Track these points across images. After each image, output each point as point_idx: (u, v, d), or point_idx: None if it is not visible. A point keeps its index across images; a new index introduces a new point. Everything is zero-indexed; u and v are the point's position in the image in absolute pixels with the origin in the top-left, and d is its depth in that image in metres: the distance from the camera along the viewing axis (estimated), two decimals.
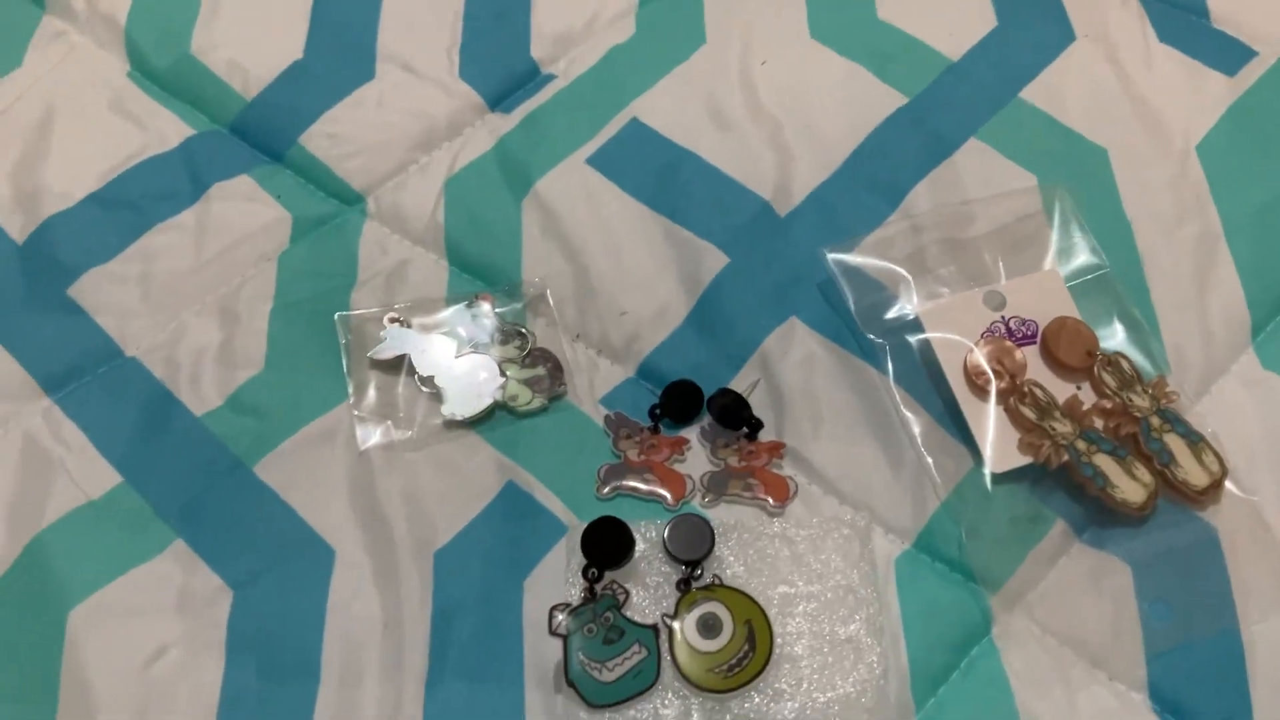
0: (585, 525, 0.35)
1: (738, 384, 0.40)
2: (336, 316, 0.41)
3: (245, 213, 0.45)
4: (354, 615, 0.35)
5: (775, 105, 0.47)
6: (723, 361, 0.40)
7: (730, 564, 0.35)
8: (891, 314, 0.40)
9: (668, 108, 0.47)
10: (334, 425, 0.39)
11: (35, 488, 0.38)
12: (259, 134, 0.47)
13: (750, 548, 0.36)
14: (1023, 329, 0.39)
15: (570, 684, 0.33)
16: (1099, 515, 0.37)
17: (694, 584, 0.35)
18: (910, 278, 0.40)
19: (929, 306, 0.40)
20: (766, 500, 0.37)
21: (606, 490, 0.37)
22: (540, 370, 0.40)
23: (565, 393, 0.40)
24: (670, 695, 0.33)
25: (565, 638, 0.34)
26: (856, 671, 0.34)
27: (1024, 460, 0.37)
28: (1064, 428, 0.37)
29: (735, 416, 0.38)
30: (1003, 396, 0.38)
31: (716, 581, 0.35)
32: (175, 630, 0.35)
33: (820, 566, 0.36)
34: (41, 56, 0.50)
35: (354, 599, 0.35)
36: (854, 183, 0.44)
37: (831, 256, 0.41)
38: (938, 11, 0.50)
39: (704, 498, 0.37)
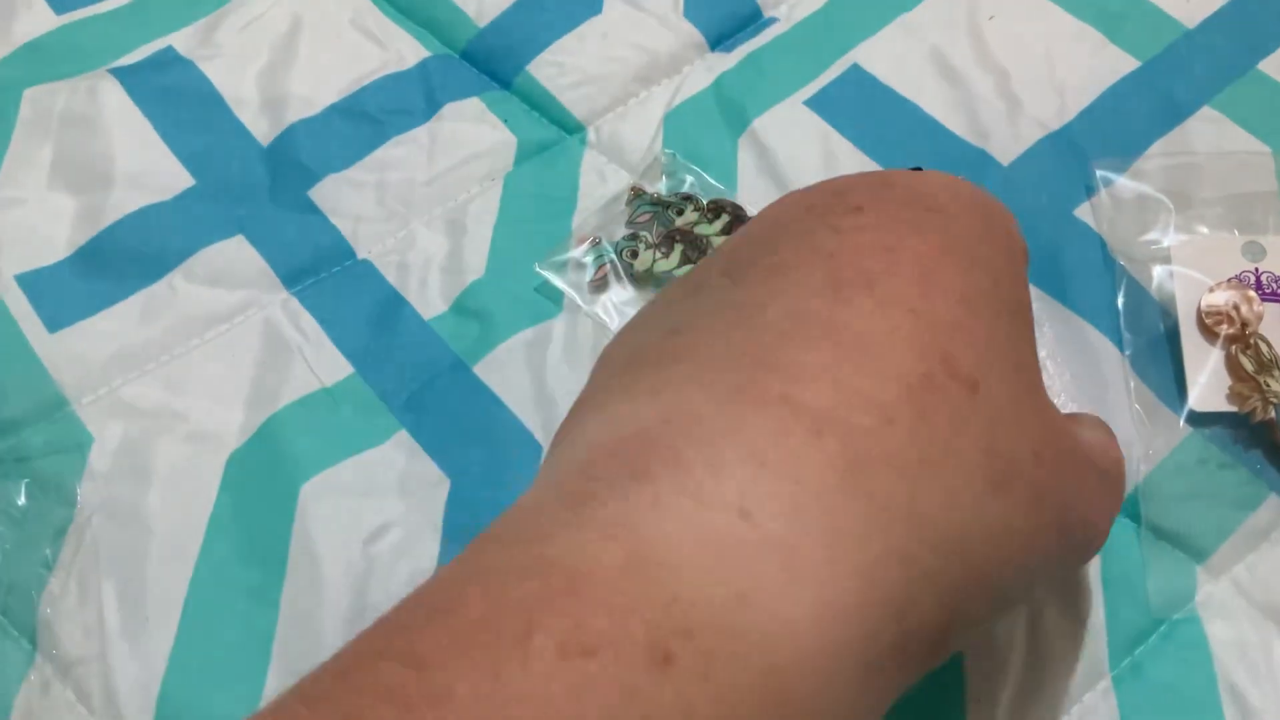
0: None
1: None
2: (537, 267, 0.42)
3: (474, 133, 0.47)
4: None
5: (1004, 57, 0.46)
6: None
7: None
8: (1142, 240, 0.40)
9: (890, 55, 0.47)
10: (547, 333, 0.41)
11: (274, 370, 0.41)
12: (489, 60, 0.49)
13: None
14: (1274, 285, 0.38)
15: None
16: None
17: None
18: (1172, 209, 0.40)
19: (1183, 240, 0.39)
20: None
21: None
22: (726, 219, 0.41)
23: None
24: None
25: None
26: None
27: (1227, 407, 0.36)
28: (1279, 386, 0.36)
29: None
30: (1228, 342, 0.37)
31: None
32: (397, 511, 0.37)
33: None
34: None
35: None
36: (1082, 140, 0.44)
37: (1100, 172, 0.41)
38: None
39: None
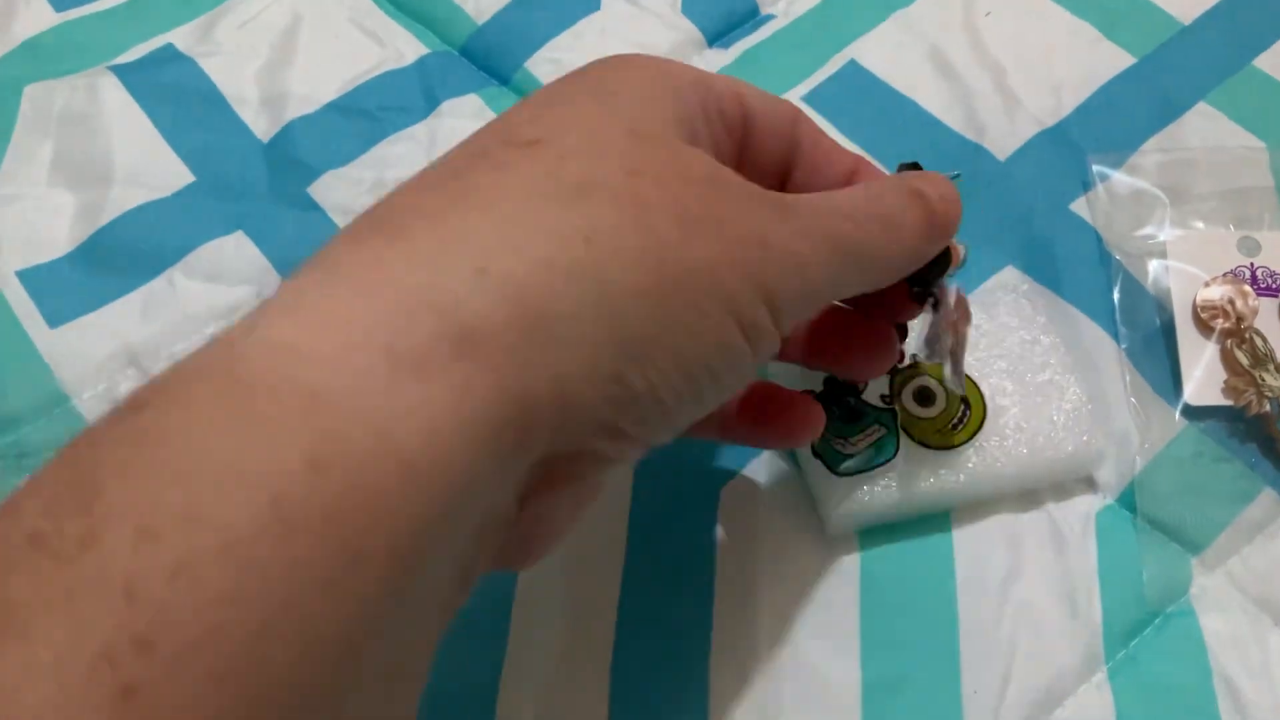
0: None
1: None
2: None
3: (472, 130, 0.46)
4: None
5: (1000, 53, 0.46)
6: None
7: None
8: (1137, 234, 0.40)
9: (887, 52, 0.47)
10: None
11: None
12: (488, 57, 0.49)
13: None
14: (1269, 279, 0.38)
15: (816, 455, 0.35)
16: None
17: (899, 366, 0.36)
18: (1168, 204, 0.40)
19: (1179, 234, 0.40)
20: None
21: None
22: None
23: None
24: (910, 463, 0.35)
25: None
26: (1063, 404, 0.36)
27: (1222, 401, 0.37)
28: (1274, 381, 0.36)
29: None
30: (1223, 336, 0.38)
31: (915, 359, 0.36)
32: None
33: (999, 330, 0.38)
34: None
35: None
36: (1078, 135, 0.44)
37: (1096, 167, 0.41)
38: None
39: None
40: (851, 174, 0.29)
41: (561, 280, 0.21)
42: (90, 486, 0.18)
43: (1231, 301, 0.38)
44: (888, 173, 0.31)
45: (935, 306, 0.32)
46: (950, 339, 0.32)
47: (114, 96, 0.48)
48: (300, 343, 0.19)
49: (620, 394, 0.22)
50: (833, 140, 0.30)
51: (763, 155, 0.28)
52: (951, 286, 0.32)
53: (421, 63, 0.49)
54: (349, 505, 0.18)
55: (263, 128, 0.47)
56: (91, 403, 0.40)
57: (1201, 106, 0.44)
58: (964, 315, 0.33)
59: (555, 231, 0.22)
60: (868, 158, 0.43)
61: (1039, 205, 0.42)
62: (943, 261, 0.31)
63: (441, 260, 0.21)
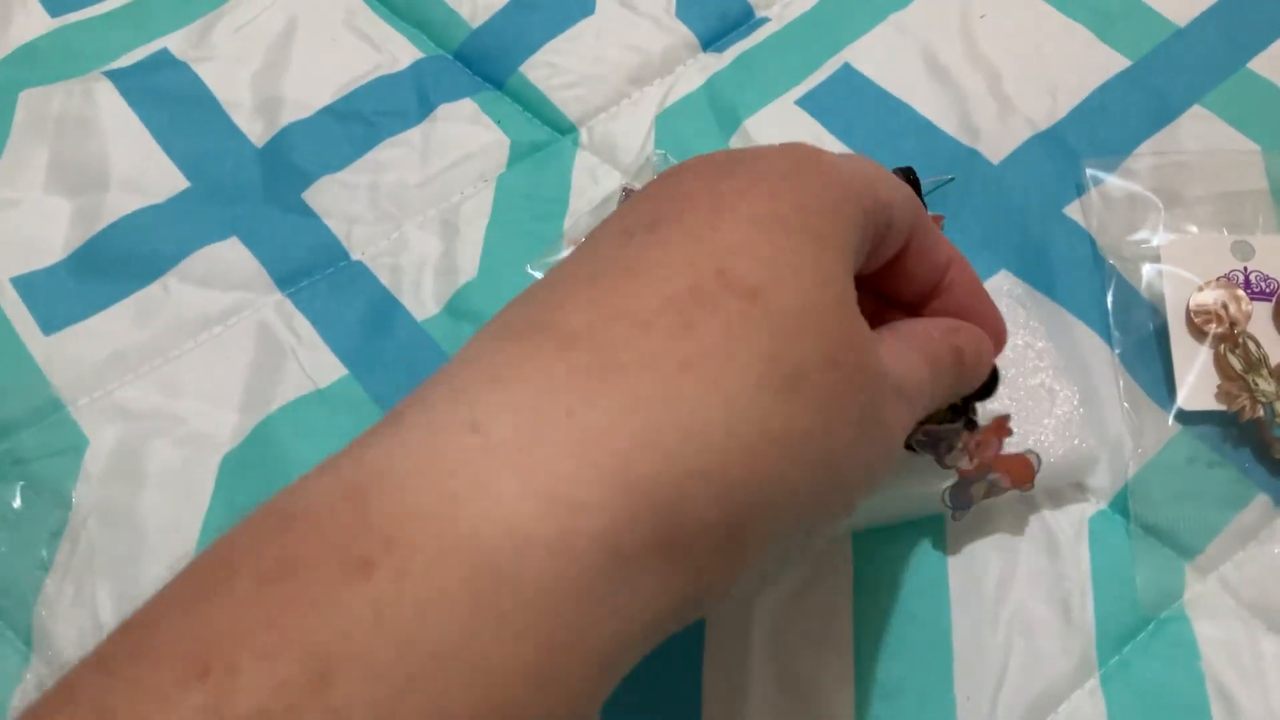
0: None
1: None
2: (529, 268, 0.43)
3: (467, 134, 0.47)
4: None
5: (995, 56, 0.46)
6: None
7: None
8: (1131, 238, 0.40)
9: (881, 55, 0.47)
10: None
11: (268, 372, 0.41)
12: (482, 61, 0.49)
13: None
14: (1262, 284, 0.38)
15: None
16: None
17: None
18: (1162, 208, 0.40)
19: (1173, 239, 0.40)
20: (1016, 489, 0.35)
21: (960, 515, 0.36)
22: None
23: None
24: (901, 469, 0.35)
25: None
26: (1056, 409, 0.36)
27: (1215, 406, 0.37)
28: (1268, 386, 0.36)
29: None
30: (1216, 341, 0.37)
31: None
32: None
33: None
34: None
35: None
36: (1073, 138, 0.44)
37: (1090, 171, 0.41)
38: None
39: (953, 515, 0.35)
40: (947, 265, 0.30)
41: (762, 488, 0.22)
42: (321, 666, 0.18)
43: (1225, 306, 0.38)
44: (967, 264, 0.31)
45: (968, 425, 0.33)
46: (964, 460, 0.33)
47: (109, 102, 0.48)
48: (535, 531, 0.19)
49: (769, 576, 0.24)
50: (937, 229, 0.30)
51: (890, 248, 0.28)
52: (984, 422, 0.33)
53: (416, 67, 0.49)
54: (556, 716, 0.19)
55: (257, 133, 0.47)
56: (86, 409, 0.40)
57: (1196, 109, 0.44)
58: (985, 445, 0.34)
59: (767, 433, 0.22)
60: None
61: (1033, 209, 0.42)
62: (983, 388, 0.32)
63: (669, 452, 0.20)
